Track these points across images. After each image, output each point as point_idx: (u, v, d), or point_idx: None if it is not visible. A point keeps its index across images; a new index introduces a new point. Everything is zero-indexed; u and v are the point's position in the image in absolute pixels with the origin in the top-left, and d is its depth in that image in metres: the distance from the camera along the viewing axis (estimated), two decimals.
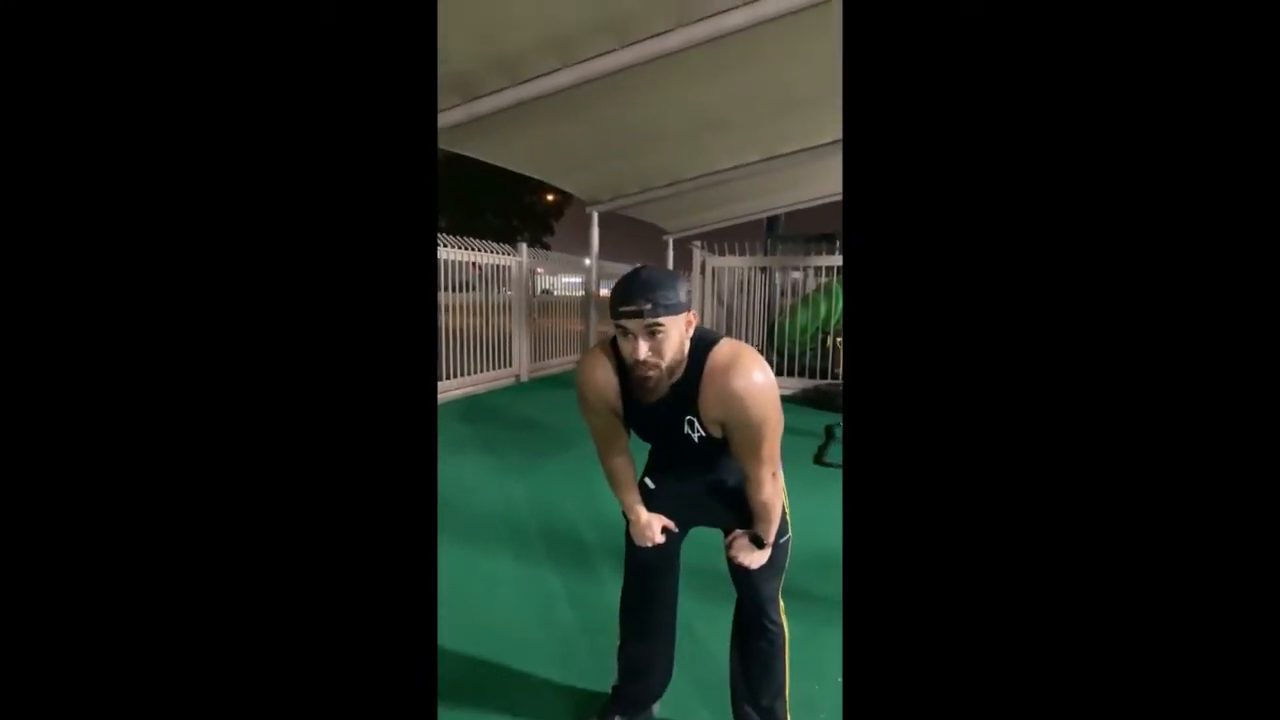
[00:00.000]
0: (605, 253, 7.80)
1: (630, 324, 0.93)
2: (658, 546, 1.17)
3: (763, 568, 1.13)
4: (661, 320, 0.92)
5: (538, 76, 3.48)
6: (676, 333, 0.95)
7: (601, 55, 3.33)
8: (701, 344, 1.00)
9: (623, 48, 3.27)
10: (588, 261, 7.65)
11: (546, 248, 10.69)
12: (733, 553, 1.13)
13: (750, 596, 1.18)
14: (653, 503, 1.18)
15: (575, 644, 1.63)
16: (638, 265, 0.98)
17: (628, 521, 1.19)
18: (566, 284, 7.65)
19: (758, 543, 1.12)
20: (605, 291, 8.20)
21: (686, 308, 0.95)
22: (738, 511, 1.13)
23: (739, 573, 1.16)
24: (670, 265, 10.37)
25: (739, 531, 1.14)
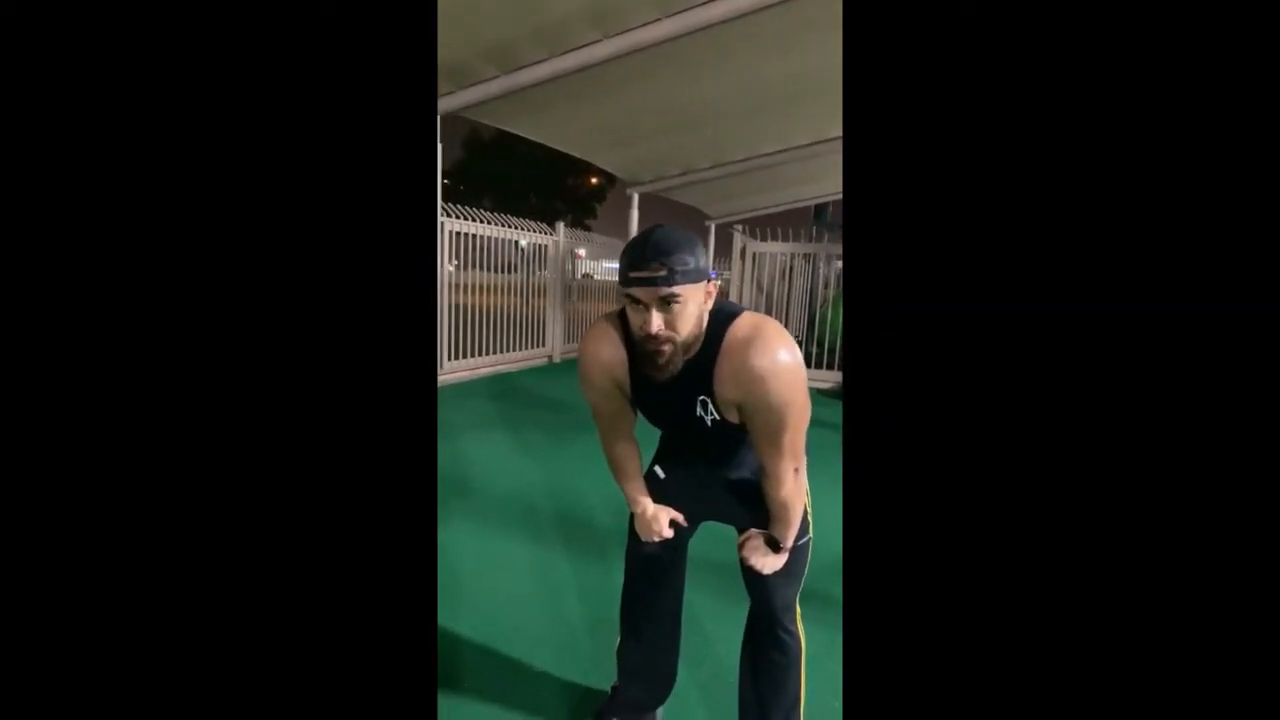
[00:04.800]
0: None
1: (641, 293, 0.80)
2: (664, 540, 1.07)
3: (778, 572, 1.01)
4: (678, 290, 0.79)
5: (578, 47, 3.38)
6: (694, 304, 0.82)
7: (644, 26, 3.20)
8: (721, 316, 0.87)
9: (666, 17, 3.13)
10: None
11: (588, 229, 10.61)
12: (745, 554, 1.02)
13: (763, 602, 1.07)
14: (661, 494, 1.08)
15: (579, 636, 1.55)
16: (654, 225, 0.86)
17: (632, 515, 1.09)
18: (608, 269, 7.55)
19: (774, 545, 1.00)
20: None
21: (707, 276, 0.83)
22: (754, 508, 1.01)
23: (752, 576, 1.05)
24: (712, 252, 10.19)
25: (753, 532, 1.03)
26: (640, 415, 1.02)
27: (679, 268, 0.78)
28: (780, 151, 5.75)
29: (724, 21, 3.02)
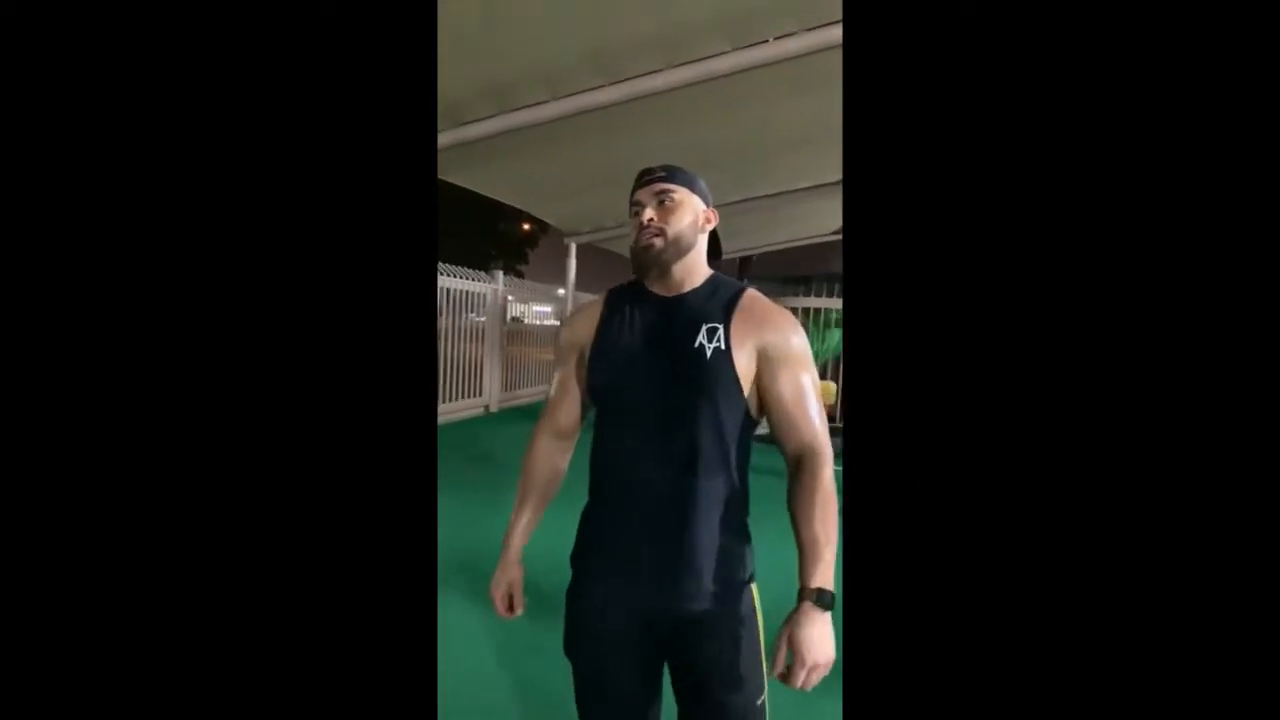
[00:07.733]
0: (580, 284, 7.76)
1: (641, 193, 0.89)
2: (622, 653, 0.91)
3: (751, 686, 0.87)
4: (672, 188, 0.88)
5: (526, 106, 3.47)
6: (689, 211, 0.89)
7: (589, 90, 3.34)
8: (732, 282, 0.93)
9: (610, 84, 3.29)
10: (561, 291, 7.60)
11: (520, 276, 10.60)
12: (798, 674, 0.76)
13: None
14: (594, 570, 0.94)
15: (555, 706, 1.51)
16: None
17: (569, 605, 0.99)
18: (537, 312, 7.55)
19: (823, 602, 0.76)
20: None
21: (704, 198, 0.92)
22: (721, 604, 0.85)
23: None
24: None
25: (782, 636, 0.77)
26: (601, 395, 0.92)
27: (676, 172, 0.90)
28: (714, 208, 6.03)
29: (666, 91, 3.22)
